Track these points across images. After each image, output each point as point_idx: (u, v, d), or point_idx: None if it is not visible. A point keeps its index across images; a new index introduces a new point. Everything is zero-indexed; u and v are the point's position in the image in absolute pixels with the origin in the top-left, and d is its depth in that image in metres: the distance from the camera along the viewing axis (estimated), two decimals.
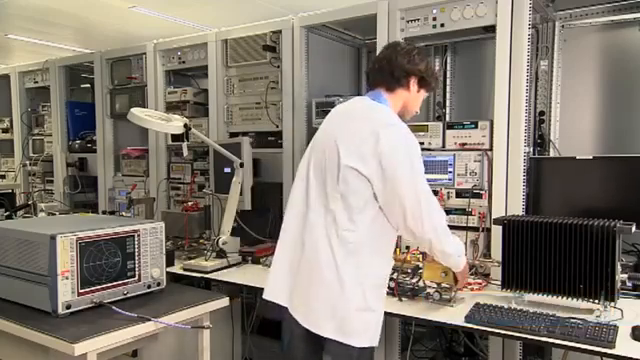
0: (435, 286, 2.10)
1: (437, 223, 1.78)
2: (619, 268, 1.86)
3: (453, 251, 1.87)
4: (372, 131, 1.75)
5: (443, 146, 2.56)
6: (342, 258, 1.76)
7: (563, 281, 1.93)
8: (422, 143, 2.56)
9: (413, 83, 1.90)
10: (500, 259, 2.09)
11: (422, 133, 2.60)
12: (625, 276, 1.90)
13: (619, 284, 1.87)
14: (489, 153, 2.41)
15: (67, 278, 1.86)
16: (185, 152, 2.61)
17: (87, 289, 1.93)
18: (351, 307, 1.76)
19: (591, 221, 1.90)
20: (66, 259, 1.86)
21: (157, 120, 2.53)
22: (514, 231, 2.01)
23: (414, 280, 2.21)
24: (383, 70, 1.89)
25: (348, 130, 1.82)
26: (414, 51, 1.91)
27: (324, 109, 2.80)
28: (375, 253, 1.81)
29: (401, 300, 2.11)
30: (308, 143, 1.99)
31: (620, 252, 1.88)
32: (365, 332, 1.78)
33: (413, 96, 1.93)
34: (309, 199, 1.87)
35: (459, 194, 2.50)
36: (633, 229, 1.86)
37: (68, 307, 1.86)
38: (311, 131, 2.96)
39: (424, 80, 1.92)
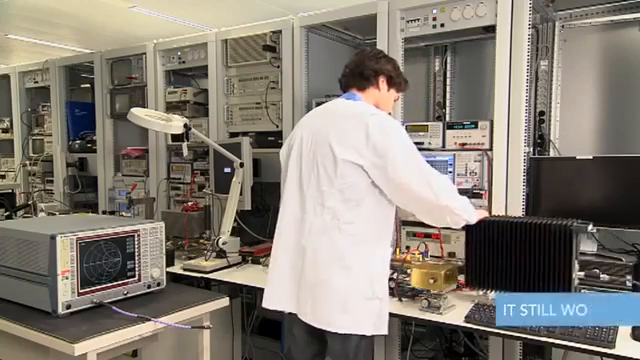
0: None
1: (435, 182, 1.85)
2: (576, 266, 1.90)
3: (456, 205, 1.91)
4: (361, 123, 1.82)
5: (443, 146, 2.56)
6: (349, 251, 1.81)
7: (524, 279, 1.95)
8: (422, 143, 2.57)
9: (382, 82, 2.01)
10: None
11: (422, 133, 2.60)
12: (582, 274, 1.94)
13: (576, 281, 1.91)
14: (489, 153, 2.41)
15: (67, 278, 1.86)
16: (185, 152, 2.61)
17: (87, 289, 1.93)
18: (360, 297, 1.81)
19: (549, 220, 1.94)
20: (66, 259, 1.86)
21: (157, 120, 2.53)
22: (477, 231, 2.04)
23: None
24: (353, 73, 2.02)
25: (337, 128, 1.88)
26: (380, 54, 2.07)
27: None
28: (379, 241, 1.88)
29: (401, 300, 2.11)
30: None
31: (578, 250, 1.92)
32: (376, 320, 1.84)
33: (384, 95, 2.04)
34: (304, 202, 1.90)
35: (459, 194, 2.49)
36: (589, 228, 1.91)
37: (68, 307, 1.86)
38: None
39: (393, 79, 2.04)
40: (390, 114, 2.07)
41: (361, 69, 1.99)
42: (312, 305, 1.83)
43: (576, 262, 1.90)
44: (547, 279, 1.90)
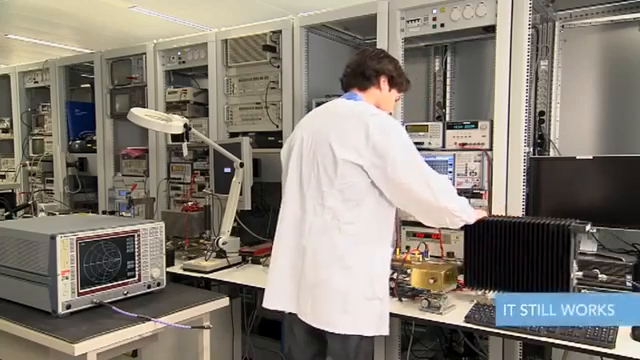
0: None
1: (434, 183, 1.85)
2: (575, 266, 1.90)
3: (455, 206, 1.90)
4: (361, 123, 1.82)
5: (443, 146, 2.56)
6: (349, 251, 1.81)
7: (522, 278, 1.95)
8: (422, 143, 2.57)
9: (383, 82, 2.01)
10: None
11: (422, 133, 2.60)
12: (580, 274, 1.94)
13: (575, 281, 1.91)
14: (489, 153, 2.41)
15: (67, 278, 1.86)
16: (185, 152, 2.61)
17: (87, 289, 1.93)
18: (361, 298, 1.81)
19: (547, 220, 1.94)
20: (66, 259, 1.86)
21: (157, 120, 2.53)
22: (476, 231, 2.04)
23: None
24: (355, 72, 2.01)
25: (337, 128, 1.87)
26: (381, 54, 2.05)
27: None
28: (379, 242, 1.88)
29: (401, 300, 2.11)
30: None
31: (576, 250, 1.92)
32: (376, 320, 1.84)
33: (385, 95, 2.03)
34: (304, 202, 1.90)
35: (459, 194, 2.49)
36: (587, 228, 1.91)
37: (68, 307, 1.86)
38: None
39: (394, 79, 2.03)
40: (391, 114, 2.07)
41: (362, 69, 1.99)
42: (312, 305, 1.83)
43: (574, 262, 1.90)
44: (545, 279, 1.90)
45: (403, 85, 2.08)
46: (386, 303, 1.89)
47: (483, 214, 2.10)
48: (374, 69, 1.98)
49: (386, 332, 1.87)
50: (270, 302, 1.96)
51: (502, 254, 2.00)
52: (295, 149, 1.98)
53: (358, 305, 1.80)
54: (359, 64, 2.01)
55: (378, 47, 2.56)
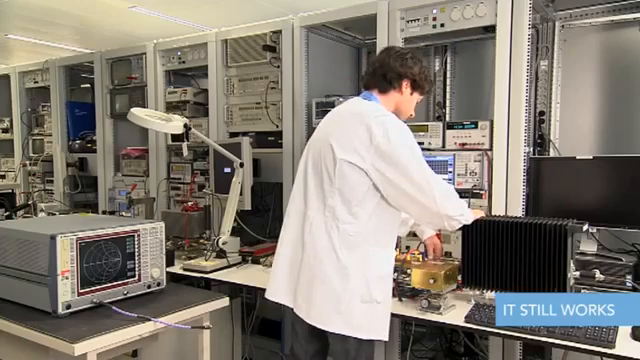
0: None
1: (437, 189, 1.83)
2: (572, 266, 1.89)
3: (455, 213, 1.89)
4: (363, 124, 1.80)
5: (443, 146, 2.56)
6: (344, 251, 1.80)
7: (520, 278, 1.95)
8: (422, 143, 2.56)
9: (405, 86, 1.95)
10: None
11: (422, 133, 2.60)
12: (577, 273, 1.93)
13: (572, 281, 1.90)
14: (489, 153, 2.41)
15: (67, 278, 1.86)
16: (185, 152, 2.61)
17: (87, 289, 1.93)
18: (356, 299, 1.79)
19: (544, 220, 1.93)
20: (66, 259, 1.86)
21: (157, 120, 2.53)
22: (473, 231, 2.03)
23: None
24: (376, 73, 1.96)
25: (339, 127, 1.88)
26: (407, 54, 1.97)
27: (324, 109, 2.80)
28: (377, 244, 1.86)
29: (401, 300, 2.11)
30: None
31: (573, 250, 1.91)
32: (371, 324, 1.82)
33: (406, 99, 1.98)
34: (307, 198, 1.91)
35: (459, 194, 2.48)
36: (584, 228, 1.90)
37: (68, 307, 1.86)
38: (311, 131, 2.95)
39: (417, 83, 1.97)
40: (412, 115, 2.05)
41: (384, 70, 1.93)
42: (307, 301, 1.84)
43: (572, 262, 1.89)
44: (542, 279, 1.89)
45: (425, 88, 2.02)
46: (386, 307, 1.86)
47: (481, 214, 2.09)
48: (397, 72, 1.92)
49: (384, 337, 1.84)
50: (270, 293, 1.98)
51: (499, 254, 1.99)
52: (307, 145, 2.01)
53: (353, 306, 1.79)
54: (382, 64, 1.94)
55: (378, 47, 2.56)
